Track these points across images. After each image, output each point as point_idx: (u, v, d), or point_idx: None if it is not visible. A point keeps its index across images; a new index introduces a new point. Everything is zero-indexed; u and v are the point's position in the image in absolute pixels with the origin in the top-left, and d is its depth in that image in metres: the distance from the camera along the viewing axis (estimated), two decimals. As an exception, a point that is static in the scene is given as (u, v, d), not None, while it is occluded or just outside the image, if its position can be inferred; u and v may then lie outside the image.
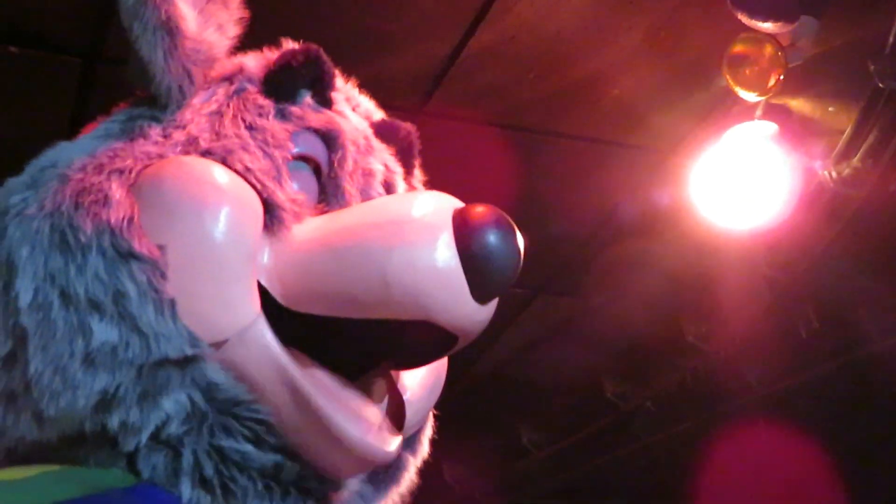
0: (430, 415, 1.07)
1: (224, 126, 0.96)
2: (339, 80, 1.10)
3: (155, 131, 0.95)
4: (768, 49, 2.47)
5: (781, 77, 2.55)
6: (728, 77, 2.52)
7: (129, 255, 0.82)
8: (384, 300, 0.84)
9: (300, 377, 0.85)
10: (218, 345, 0.83)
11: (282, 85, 1.01)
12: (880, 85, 2.68)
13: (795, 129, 2.91)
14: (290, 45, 1.06)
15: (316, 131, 1.00)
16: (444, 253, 0.83)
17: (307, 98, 1.03)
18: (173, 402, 0.82)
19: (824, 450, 4.16)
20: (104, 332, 0.80)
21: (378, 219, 0.91)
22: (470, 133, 2.99)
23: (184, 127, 0.95)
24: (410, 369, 0.96)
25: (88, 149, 0.94)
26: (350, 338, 0.88)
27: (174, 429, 0.82)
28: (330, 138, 1.00)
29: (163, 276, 0.82)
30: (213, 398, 0.83)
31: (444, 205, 0.88)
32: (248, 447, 0.84)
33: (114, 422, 0.81)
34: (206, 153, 0.92)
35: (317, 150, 0.99)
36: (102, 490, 0.81)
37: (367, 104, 1.13)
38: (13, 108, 2.80)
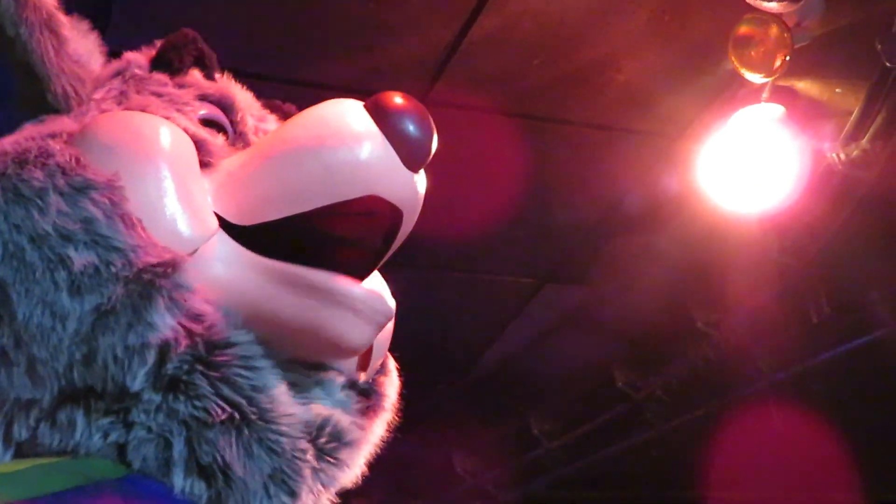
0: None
1: (131, 99, 1.00)
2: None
3: (66, 119, 0.97)
4: (774, 30, 2.45)
5: (788, 58, 2.52)
6: (734, 59, 2.50)
7: (85, 187, 0.84)
8: (327, 186, 0.89)
9: (279, 262, 0.89)
10: (192, 255, 0.85)
11: (171, 62, 1.06)
12: (888, 64, 2.66)
13: (803, 111, 2.90)
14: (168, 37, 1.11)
15: (212, 99, 1.05)
16: (372, 135, 0.89)
17: (195, 73, 1.07)
18: (166, 319, 0.81)
19: (836, 434, 4.18)
20: (82, 256, 0.81)
21: (304, 123, 0.97)
22: (475, 120, 2.97)
23: (96, 108, 1.00)
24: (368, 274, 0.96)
25: (15, 132, 0.97)
26: (307, 237, 0.91)
27: (174, 362, 0.82)
28: (226, 104, 1.06)
29: (123, 196, 0.84)
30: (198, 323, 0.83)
31: (352, 101, 0.94)
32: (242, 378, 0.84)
33: (105, 353, 0.81)
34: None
35: (216, 115, 1.04)
36: (94, 481, 0.81)
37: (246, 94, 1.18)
38: None
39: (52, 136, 0.90)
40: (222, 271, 0.87)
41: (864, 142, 2.87)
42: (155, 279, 0.81)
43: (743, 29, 2.46)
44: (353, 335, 0.90)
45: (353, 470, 0.97)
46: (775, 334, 3.75)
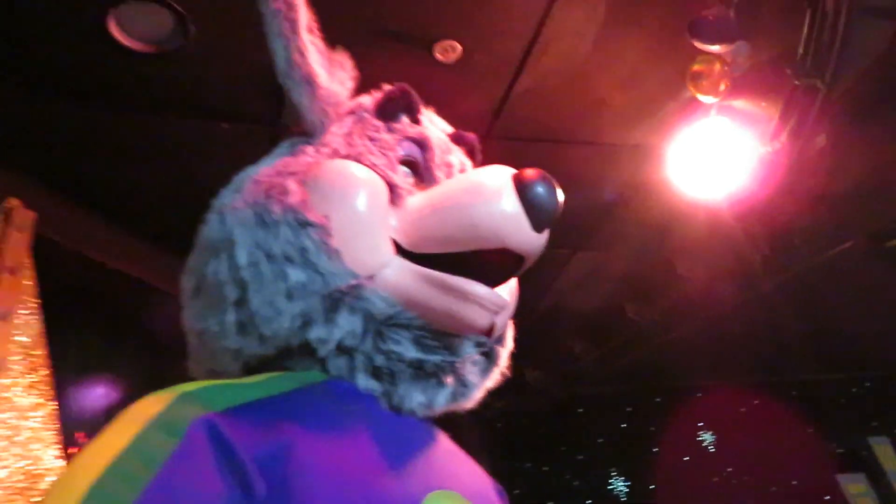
0: (510, 323, 1.05)
1: (353, 140, 0.96)
2: (423, 108, 1.09)
3: (309, 149, 0.96)
4: (717, 65, 2.32)
5: (728, 84, 2.39)
6: (691, 88, 2.38)
7: (306, 224, 0.83)
8: (473, 237, 0.86)
9: (432, 271, 0.86)
10: (371, 278, 0.84)
11: (387, 111, 1.01)
12: (795, 83, 2.53)
13: (741, 121, 2.76)
14: (387, 87, 1.05)
15: (413, 139, 0.99)
16: (510, 200, 0.85)
17: (404, 118, 1.02)
18: (347, 321, 0.82)
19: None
20: (296, 274, 0.82)
21: (464, 185, 0.92)
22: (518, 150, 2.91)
23: (328, 145, 0.96)
24: (499, 286, 0.92)
25: (268, 164, 0.96)
26: (456, 266, 0.87)
27: (350, 341, 0.83)
28: (422, 143, 1.00)
29: (329, 235, 0.83)
30: (373, 317, 0.83)
31: (504, 171, 0.89)
32: (401, 347, 0.85)
33: (311, 335, 0.82)
34: (345, 157, 0.92)
35: (414, 152, 0.99)
36: (308, 384, 0.82)
37: (442, 123, 1.13)
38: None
39: (293, 174, 0.89)
40: (394, 276, 0.85)
41: (783, 138, 2.74)
42: (342, 297, 0.82)
43: (696, 66, 2.34)
44: (477, 319, 0.87)
45: (474, 395, 0.97)
46: (733, 272, 3.59)
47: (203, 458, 0.63)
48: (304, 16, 0.96)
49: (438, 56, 2.32)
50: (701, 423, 5.44)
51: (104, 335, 3.21)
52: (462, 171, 1.06)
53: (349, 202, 0.85)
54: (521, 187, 0.85)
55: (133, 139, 2.52)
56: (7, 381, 1.80)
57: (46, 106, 2.27)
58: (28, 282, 1.98)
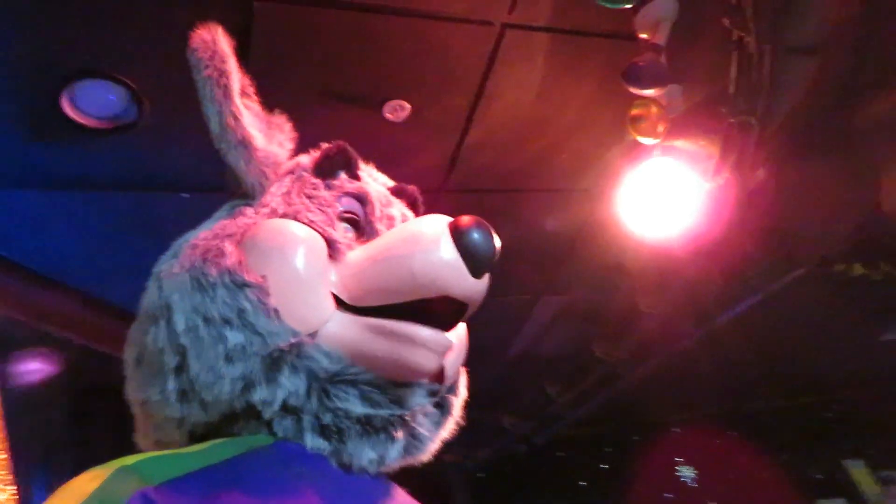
0: (463, 371, 1.05)
1: (291, 199, 0.97)
2: (362, 164, 1.10)
3: (249, 210, 0.97)
4: (654, 108, 2.41)
5: (666, 125, 2.49)
6: (632, 131, 2.47)
7: (243, 285, 0.83)
8: (413, 287, 0.85)
9: (375, 319, 0.86)
10: (312, 335, 0.83)
11: (324, 169, 1.02)
12: (730, 120, 2.64)
13: (684, 159, 2.86)
14: (325, 145, 1.07)
15: (352, 195, 1.00)
16: (447, 248, 0.85)
17: (342, 175, 1.03)
18: (290, 381, 0.82)
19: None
20: (235, 337, 0.81)
21: (401, 236, 0.91)
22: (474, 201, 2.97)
23: (266, 205, 0.97)
24: (445, 331, 0.91)
25: (207, 228, 0.97)
26: (399, 315, 0.87)
27: (295, 401, 0.82)
28: (361, 198, 1.01)
29: (267, 294, 0.83)
30: (316, 375, 0.83)
31: (440, 220, 0.89)
32: (348, 403, 0.84)
33: (254, 398, 0.81)
34: (283, 216, 0.93)
35: (354, 207, 1.00)
36: (253, 448, 0.81)
37: (383, 177, 1.14)
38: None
39: (230, 236, 0.89)
40: (337, 329, 0.85)
41: (726, 173, 2.83)
42: (282, 356, 0.81)
43: (635, 111, 2.43)
44: (424, 363, 0.87)
45: (428, 448, 0.96)
46: (688, 306, 3.66)
47: None
48: (237, 81, 0.99)
49: (388, 115, 2.38)
50: (680, 459, 5.42)
51: (71, 413, 3.14)
52: (404, 222, 1.06)
53: (287, 260, 0.85)
54: (458, 234, 0.85)
55: (94, 215, 2.52)
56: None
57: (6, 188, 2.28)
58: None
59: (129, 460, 0.70)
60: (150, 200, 2.51)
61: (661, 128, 2.47)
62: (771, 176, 3.02)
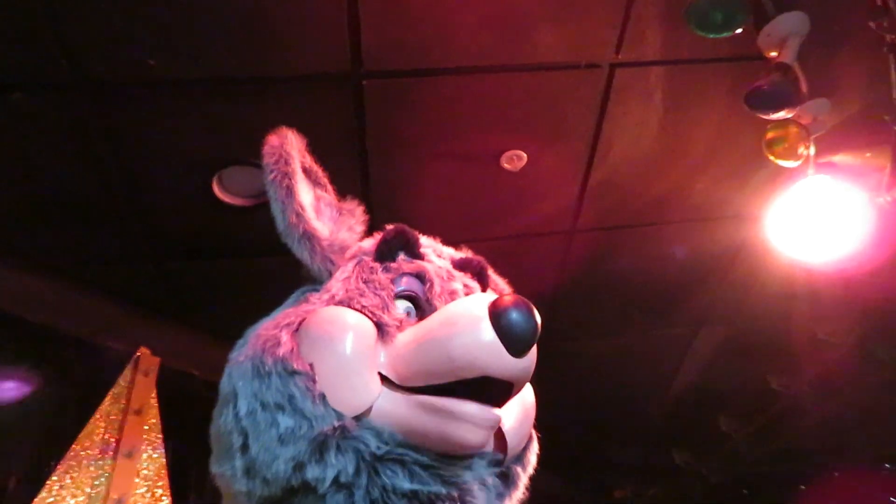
0: (531, 437, 1.03)
1: (350, 284, 1.00)
2: (426, 240, 1.13)
3: (314, 297, 1.03)
4: (792, 129, 2.19)
5: (810, 145, 2.24)
6: (769, 154, 2.25)
7: (293, 373, 0.88)
8: (452, 368, 0.85)
9: (420, 395, 0.88)
10: (358, 417, 0.86)
11: (384, 252, 1.06)
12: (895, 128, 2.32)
13: (845, 176, 2.56)
14: (388, 227, 1.10)
15: (410, 274, 1.02)
16: (486, 331, 0.83)
17: (402, 256, 1.06)
18: (338, 461, 0.85)
19: None
20: (286, 421, 0.86)
21: (442, 318, 0.92)
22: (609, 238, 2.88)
23: (329, 290, 1.01)
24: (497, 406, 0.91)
25: (275, 316, 1.02)
26: (448, 392, 0.87)
27: (345, 478, 0.85)
28: (420, 276, 1.02)
29: (314, 381, 0.87)
30: (363, 454, 0.86)
31: (481, 300, 0.88)
32: (396, 479, 0.86)
33: (307, 475, 0.85)
34: (339, 302, 0.97)
35: (413, 286, 1.01)
36: None
37: (448, 250, 1.16)
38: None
39: (288, 325, 0.95)
40: (387, 407, 0.88)
41: (901, 186, 2.49)
42: (327, 438, 0.85)
43: (770, 134, 2.22)
44: (469, 437, 0.86)
45: None
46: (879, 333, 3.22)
47: None
48: (302, 178, 1.06)
49: (506, 165, 2.40)
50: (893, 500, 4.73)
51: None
52: (468, 295, 1.06)
53: (333, 347, 0.89)
54: (496, 315, 0.84)
55: (240, 280, 2.77)
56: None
57: (170, 264, 2.61)
58: (153, 420, 2.23)
59: None
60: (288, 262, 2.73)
61: (802, 149, 2.24)
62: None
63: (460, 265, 1.11)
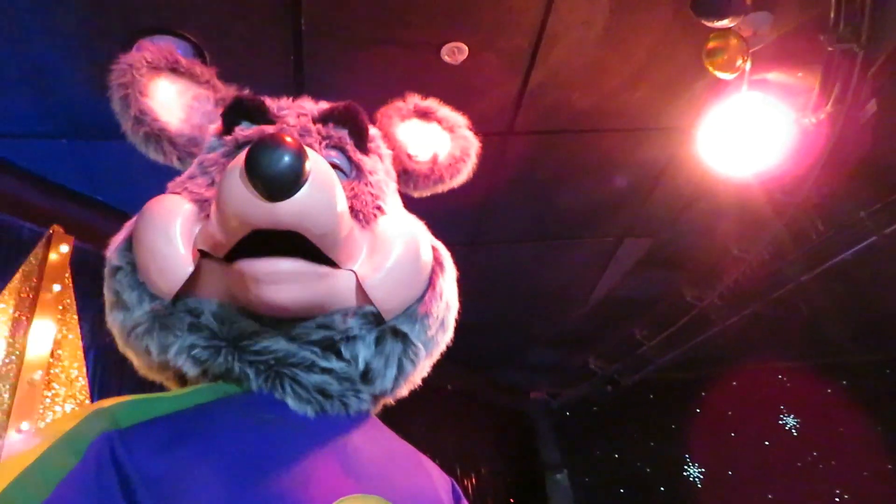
0: (432, 298, 0.94)
1: (190, 170, 1.02)
2: (287, 102, 1.07)
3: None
4: (733, 40, 2.20)
5: (748, 58, 2.27)
6: (708, 65, 2.27)
7: (115, 269, 0.92)
8: (231, 230, 0.79)
9: (226, 264, 0.83)
10: (178, 298, 0.86)
11: (226, 125, 1.02)
12: (829, 49, 2.37)
13: (776, 93, 2.61)
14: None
15: (247, 141, 0.96)
16: (234, 182, 0.75)
17: (243, 125, 1.01)
18: (160, 339, 0.86)
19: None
20: (118, 316, 0.92)
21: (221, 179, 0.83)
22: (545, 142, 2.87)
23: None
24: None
25: None
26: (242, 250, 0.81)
27: (203, 354, 0.84)
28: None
29: (134, 272, 0.90)
30: (175, 332, 0.86)
31: (246, 152, 0.76)
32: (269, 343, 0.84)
33: (155, 359, 0.89)
34: (170, 191, 0.97)
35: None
36: (228, 395, 0.83)
37: (321, 105, 1.08)
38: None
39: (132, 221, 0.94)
40: (206, 280, 0.86)
41: (829, 107, 2.56)
42: (146, 324, 0.87)
43: (711, 43, 2.23)
44: (270, 295, 0.80)
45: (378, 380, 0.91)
46: (787, 250, 3.41)
47: (96, 479, 0.65)
48: (164, 80, 1.10)
49: (446, 58, 2.33)
50: (782, 407, 5.18)
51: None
52: (333, 145, 1.00)
53: (139, 237, 0.88)
54: (247, 162, 0.73)
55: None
56: (49, 393, 1.97)
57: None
58: (67, 300, 2.16)
59: (108, 402, 0.74)
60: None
61: (740, 61, 2.26)
62: (879, 108, 2.71)
63: (323, 117, 1.02)
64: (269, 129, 0.97)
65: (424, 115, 1.24)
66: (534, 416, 5.20)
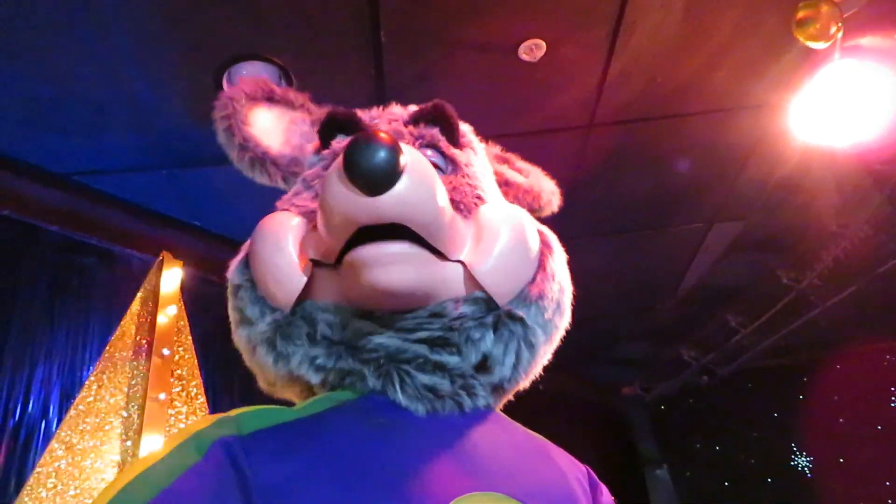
0: (544, 280, 0.91)
1: (295, 187, 1.06)
2: (377, 112, 1.10)
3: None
4: (825, 7, 2.11)
5: (841, 25, 2.16)
6: (798, 36, 2.18)
7: (237, 287, 0.95)
8: (339, 232, 0.79)
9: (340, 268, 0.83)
10: (297, 309, 0.86)
11: (323, 140, 1.06)
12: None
13: (871, 59, 2.47)
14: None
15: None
16: (334, 181, 0.76)
17: (339, 137, 1.04)
18: (286, 349, 0.88)
19: None
20: (243, 332, 0.95)
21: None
22: (628, 132, 2.82)
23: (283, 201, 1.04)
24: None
25: None
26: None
27: (323, 360, 0.86)
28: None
29: (253, 289, 0.92)
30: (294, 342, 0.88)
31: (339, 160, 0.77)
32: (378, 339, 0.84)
33: (279, 371, 0.90)
34: (280, 209, 1.00)
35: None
36: (342, 402, 0.83)
37: (410, 108, 1.09)
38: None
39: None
40: (322, 287, 0.86)
41: (931, 68, 2.41)
42: (272, 336, 0.88)
43: (801, 13, 2.14)
44: (381, 278, 0.78)
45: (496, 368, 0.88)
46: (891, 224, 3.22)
47: (214, 477, 0.66)
48: (261, 108, 1.17)
49: (524, 56, 2.32)
50: (893, 388, 4.88)
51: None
52: (426, 144, 1.01)
53: (255, 254, 0.91)
54: (344, 161, 0.73)
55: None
56: (172, 412, 2.07)
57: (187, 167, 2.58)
58: (182, 322, 2.26)
59: (238, 411, 0.77)
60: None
61: (834, 28, 2.16)
62: None
63: (413, 119, 1.03)
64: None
65: (505, 161, 1.28)
66: (628, 412, 5.10)
